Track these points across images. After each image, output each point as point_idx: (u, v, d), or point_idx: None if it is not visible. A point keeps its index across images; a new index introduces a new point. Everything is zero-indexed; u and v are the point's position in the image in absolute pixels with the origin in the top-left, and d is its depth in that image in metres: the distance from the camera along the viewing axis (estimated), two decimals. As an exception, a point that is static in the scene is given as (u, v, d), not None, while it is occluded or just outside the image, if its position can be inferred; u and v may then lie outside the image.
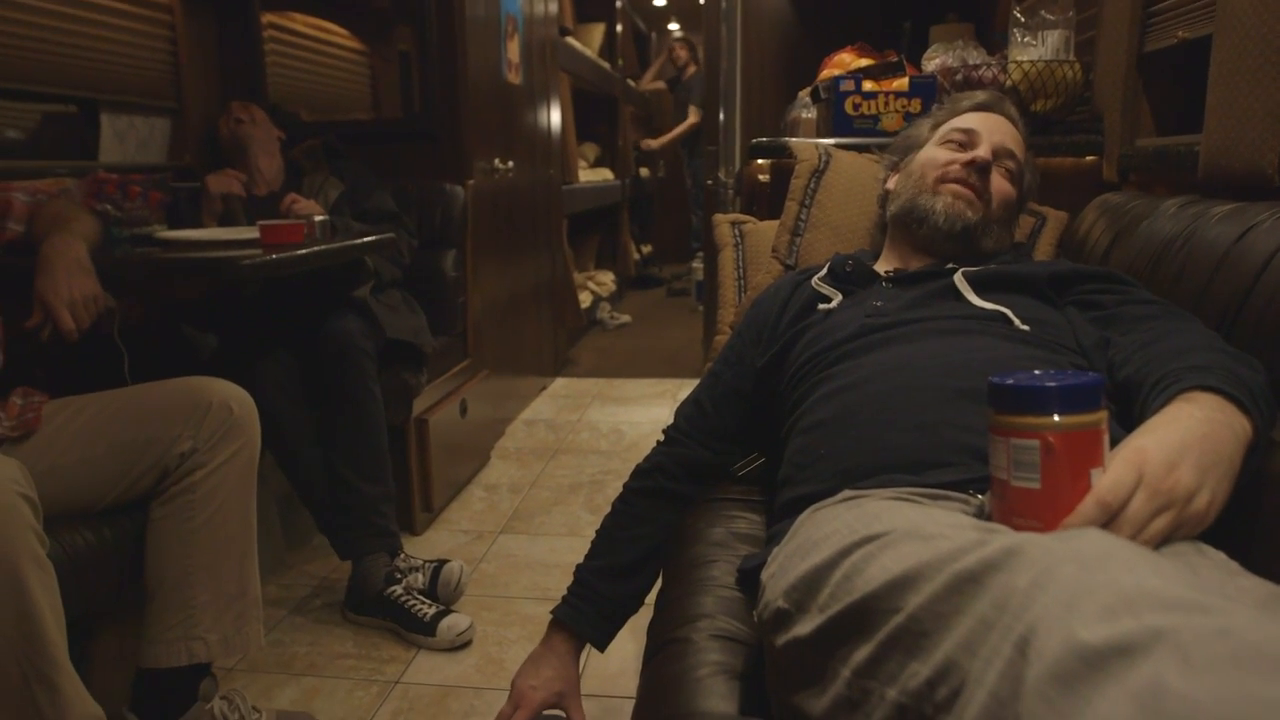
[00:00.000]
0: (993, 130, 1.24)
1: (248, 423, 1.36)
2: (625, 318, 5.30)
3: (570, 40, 4.59)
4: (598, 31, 5.78)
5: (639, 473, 1.27)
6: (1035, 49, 1.85)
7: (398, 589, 1.82)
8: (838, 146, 1.72)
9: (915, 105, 1.84)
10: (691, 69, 6.18)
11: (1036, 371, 0.73)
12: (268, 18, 2.68)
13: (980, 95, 1.32)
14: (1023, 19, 1.87)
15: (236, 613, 1.33)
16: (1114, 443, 0.73)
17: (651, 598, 1.17)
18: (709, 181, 3.19)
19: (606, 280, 5.66)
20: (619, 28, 6.13)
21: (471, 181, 2.66)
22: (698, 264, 5.28)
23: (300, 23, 2.79)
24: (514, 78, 3.21)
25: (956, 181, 1.21)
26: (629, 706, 0.96)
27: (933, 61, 2.00)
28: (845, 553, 0.68)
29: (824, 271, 1.26)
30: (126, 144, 2.32)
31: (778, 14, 3.00)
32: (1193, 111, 1.39)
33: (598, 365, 4.24)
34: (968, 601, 0.55)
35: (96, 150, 2.22)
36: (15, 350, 1.29)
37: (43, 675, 1.00)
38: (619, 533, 1.23)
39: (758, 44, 2.98)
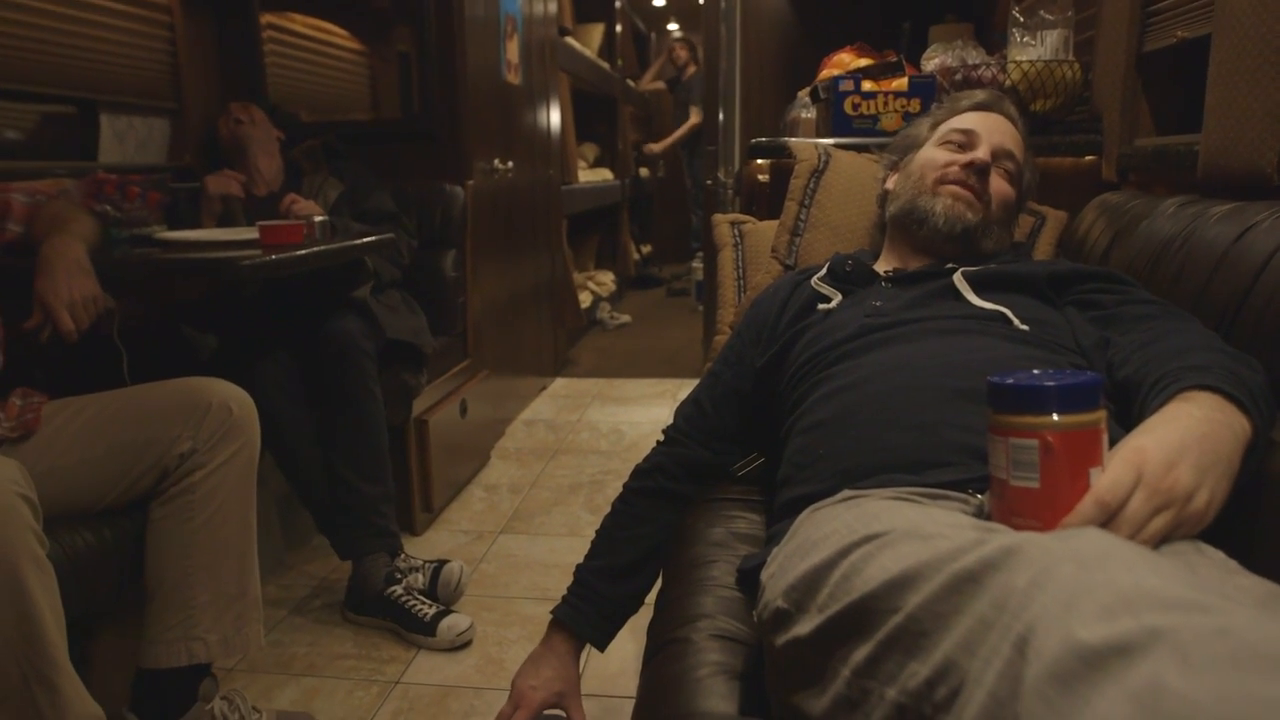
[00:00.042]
0: (992, 131, 1.24)
1: (247, 423, 1.36)
2: (625, 318, 5.30)
3: (569, 40, 4.59)
4: (597, 32, 5.78)
5: (639, 473, 1.27)
6: (1034, 49, 1.85)
7: (398, 589, 1.82)
8: (837, 146, 1.72)
9: (914, 105, 1.84)
10: (691, 69, 6.18)
11: (1035, 371, 0.73)
12: (267, 18, 2.68)
13: (979, 94, 1.31)
14: (1022, 19, 1.87)
15: (236, 613, 1.33)
16: (1113, 442, 0.73)
17: (651, 598, 1.17)
18: (708, 181, 3.19)
19: (606, 280, 5.66)
20: (618, 28, 6.13)
21: (471, 182, 2.66)
22: (697, 264, 5.28)
23: (299, 23, 2.79)
24: (513, 78, 3.21)
25: (956, 183, 1.21)
26: (629, 706, 0.96)
27: (932, 61, 2.00)
28: (844, 552, 0.68)
29: (823, 271, 1.26)
30: (126, 144, 2.31)
31: (777, 14, 3.00)
32: (1192, 111, 1.39)
33: (597, 365, 4.24)
34: (967, 601, 0.55)
35: (96, 151, 2.22)
36: (14, 351, 1.29)
37: (42, 676, 1.00)
38: (619, 533, 1.23)
39: (757, 44, 2.98)
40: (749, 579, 0.93)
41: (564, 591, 1.24)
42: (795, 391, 1.10)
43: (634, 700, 0.93)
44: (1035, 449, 0.67)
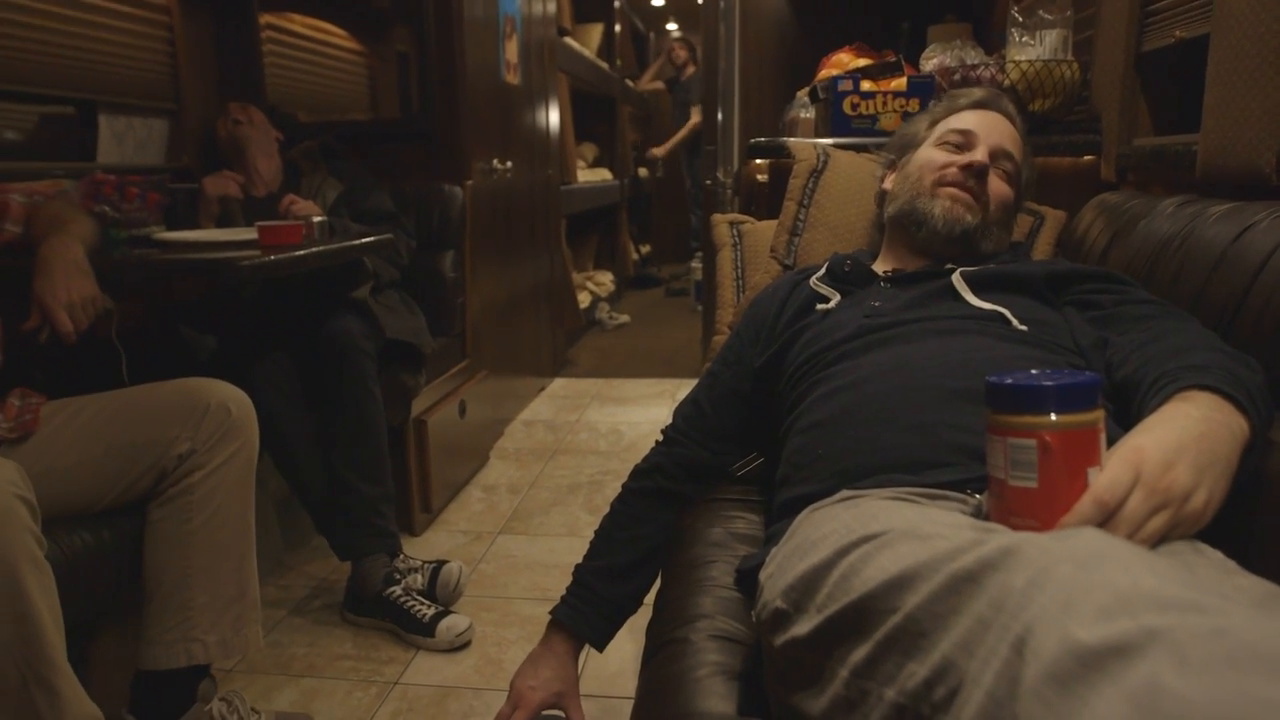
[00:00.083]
0: (990, 131, 1.24)
1: (246, 424, 1.36)
2: (624, 318, 5.30)
3: (568, 40, 4.59)
4: (596, 32, 5.79)
5: (637, 473, 1.27)
6: (1033, 49, 1.85)
7: (397, 590, 1.82)
8: (836, 146, 1.72)
9: (913, 105, 1.84)
10: (690, 69, 6.18)
11: (1034, 371, 0.73)
12: (266, 18, 2.68)
13: (977, 93, 1.31)
14: (1020, 19, 1.87)
15: (235, 614, 1.33)
16: (1111, 442, 0.73)
17: (650, 598, 1.17)
18: (707, 181, 3.20)
19: (605, 280, 5.66)
20: (617, 28, 6.14)
21: (470, 182, 2.66)
22: (696, 264, 5.28)
23: (298, 23, 2.79)
24: (512, 78, 3.21)
25: (954, 185, 1.21)
26: (628, 707, 0.96)
27: (931, 61, 2.00)
28: (843, 553, 0.68)
29: (822, 271, 1.26)
30: (124, 145, 2.31)
31: (776, 14, 3.00)
32: (1190, 111, 1.39)
33: (596, 365, 4.24)
34: (965, 601, 0.55)
35: (95, 151, 2.22)
36: (13, 352, 1.29)
37: (41, 677, 1.00)
38: (618, 533, 1.23)
39: (756, 44, 2.99)
40: (748, 579, 0.93)
41: (563, 592, 1.24)
42: (794, 391, 1.10)
43: (633, 700, 0.93)
44: (1033, 449, 0.67)
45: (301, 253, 1.59)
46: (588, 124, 5.81)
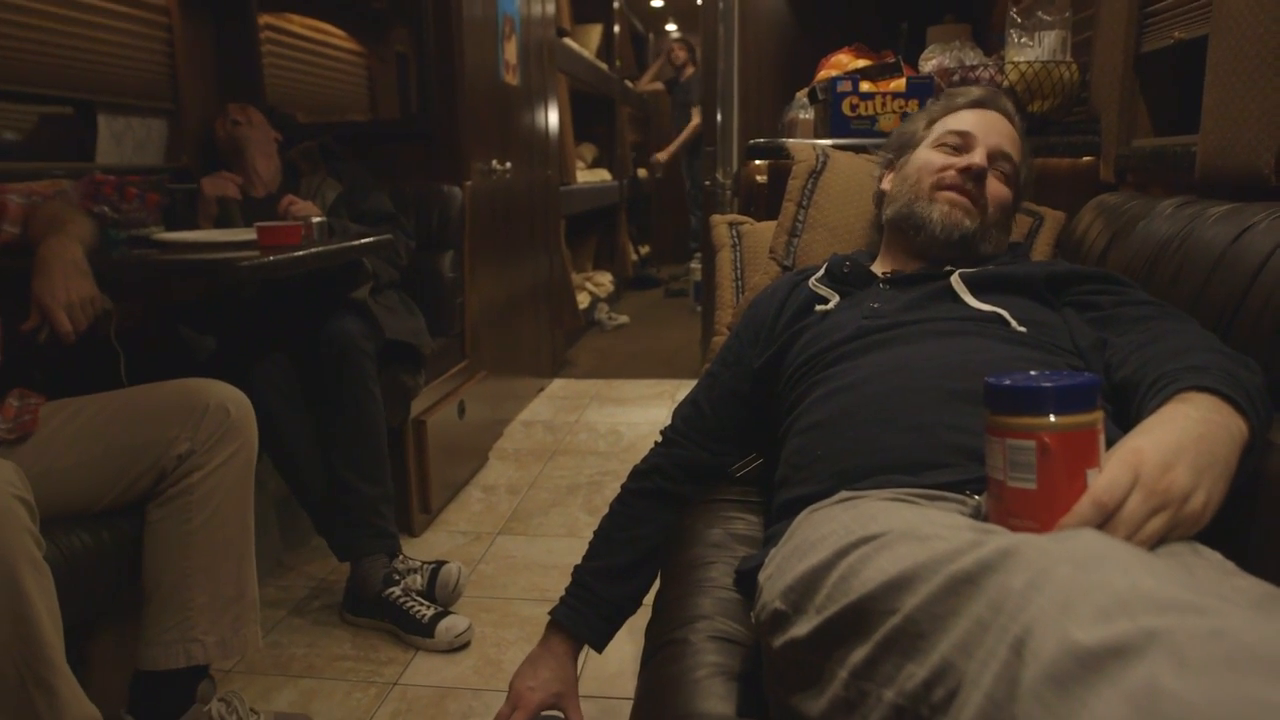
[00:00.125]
0: (988, 131, 1.23)
1: (245, 424, 1.36)
2: (623, 318, 5.30)
3: (568, 41, 4.59)
4: (595, 32, 5.79)
5: (637, 474, 1.27)
6: (1032, 50, 1.85)
7: (396, 590, 1.82)
8: (835, 147, 1.72)
9: (913, 106, 1.84)
10: (690, 70, 6.18)
11: (1032, 372, 0.73)
12: (265, 19, 2.68)
13: (975, 91, 1.30)
14: (1019, 20, 1.87)
15: (234, 615, 1.33)
16: (1110, 443, 0.73)
17: (650, 599, 1.17)
18: (707, 182, 3.20)
19: (604, 281, 5.66)
20: (616, 29, 6.14)
21: (469, 182, 2.66)
22: (695, 265, 5.28)
23: (297, 24, 2.79)
24: (511, 79, 3.21)
25: (952, 188, 1.20)
26: (627, 707, 0.96)
27: (930, 62, 2.00)
28: (842, 554, 0.68)
29: (821, 272, 1.26)
30: (123, 145, 2.31)
31: (775, 15, 3.00)
32: (1189, 112, 1.39)
33: (596, 366, 4.24)
34: (964, 603, 0.55)
35: (94, 152, 2.21)
36: (12, 352, 1.29)
37: (39, 678, 1.00)
38: (617, 534, 1.23)
39: (755, 45, 2.99)
40: (747, 580, 0.93)
41: (562, 592, 1.24)
42: (793, 392, 1.10)
43: (632, 701, 0.93)
44: (1032, 450, 0.67)
45: (300, 253, 1.59)
46: (587, 125, 5.81)
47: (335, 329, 1.87)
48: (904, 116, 1.83)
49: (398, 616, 1.79)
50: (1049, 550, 0.53)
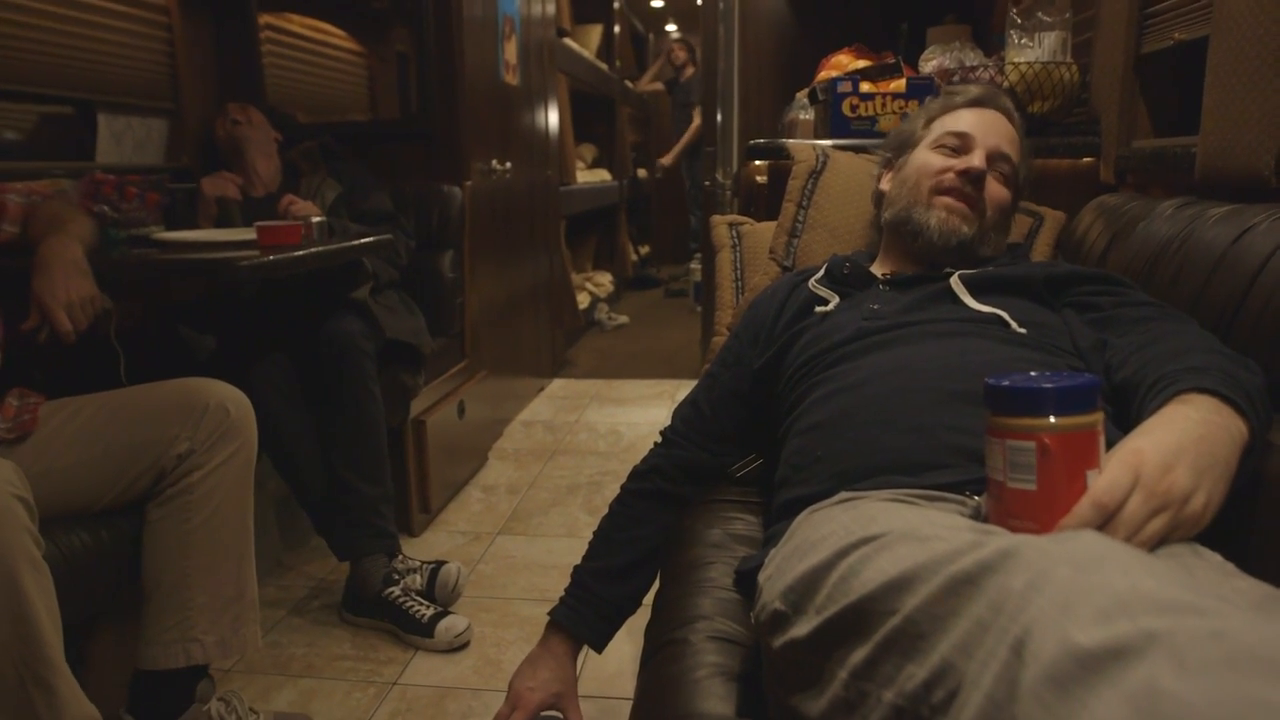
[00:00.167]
0: (987, 132, 1.23)
1: (245, 424, 1.36)
2: (623, 319, 5.30)
3: (568, 41, 4.59)
4: (595, 33, 5.79)
5: (636, 474, 1.27)
6: (1032, 50, 1.85)
7: (395, 590, 1.82)
8: (835, 148, 1.72)
9: (913, 107, 1.84)
10: (690, 70, 6.18)
11: (1033, 373, 0.73)
12: (265, 19, 2.68)
13: (974, 90, 1.30)
14: (1020, 20, 1.87)
15: (234, 614, 1.33)
16: (1110, 444, 0.73)
17: (649, 599, 1.17)
18: (707, 183, 3.20)
19: (604, 281, 5.66)
20: (617, 29, 6.14)
21: (469, 182, 2.66)
22: (695, 265, 5.28)
23: (297, 24, 2.79)
24: (511, 79, 3.21)
25: (950, 192, 1.20)
26: (627, 708, 0.96)
27: (930, 63, 2.00)
28: (842, 554, 0.68)
29: (821, 273, 1.26)
30: (123, 145, 2.31)
31: (775, 15, 3.00)
32: (1189, 113, 1.39)
33: (595, 366, 4.24)
34: (964, 604, 0.55)
35: (94, 151, 2.21)
36: (12, 352, 1.29)
37: (39, 677, 1.00)
38: (616, 534, 1.23)
39: (755, 45, 2.99)
40: (747, 580, 0.93)
41: (562, 593, 1.24)
42: (793, 393, 1.10)
43: (632, 701, 0.93)
44: (1032, 451, 0.67)
45: (300, 253, 1.59)
46: (587, 125, 5.82)
47: (335, 329, 1.87)
48: (904, 117, 1.83)
49: (397, 616, 1.79)
50: (1049, 551, 0.53)
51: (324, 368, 1.86)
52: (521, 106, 3.38)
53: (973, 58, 1.94)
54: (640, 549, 1.21)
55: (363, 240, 1.86)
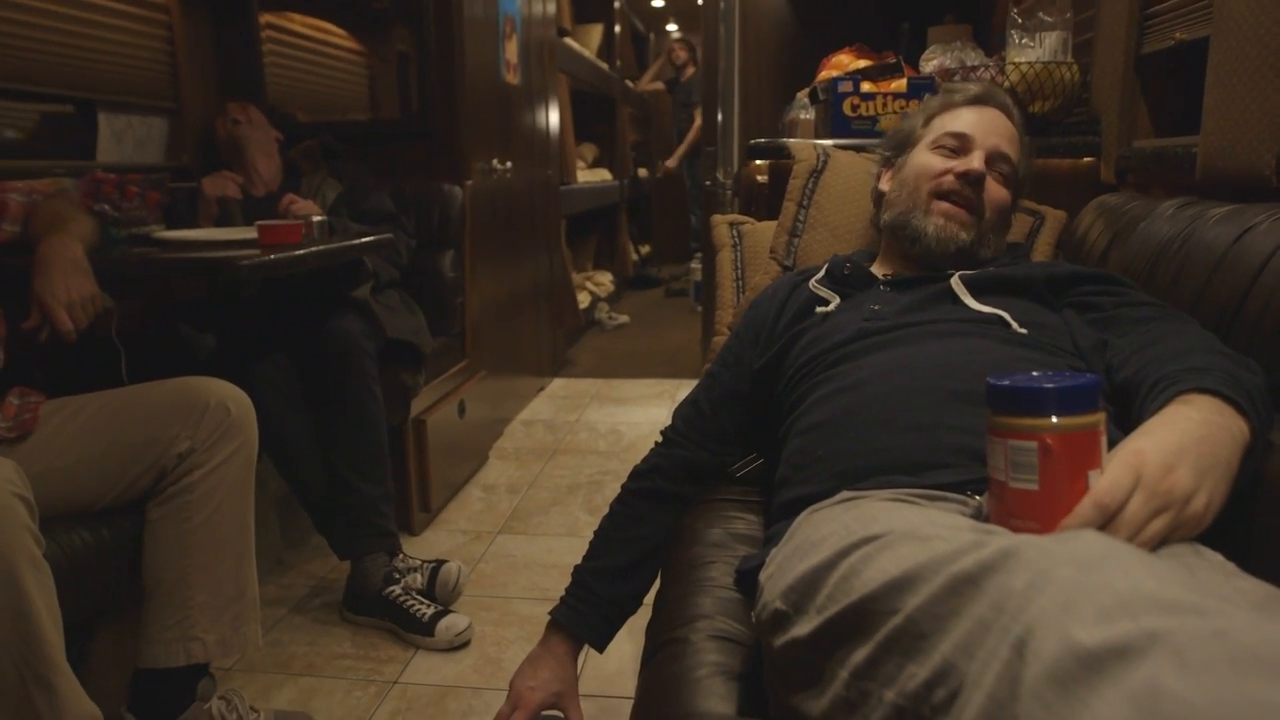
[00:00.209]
0: (987, 132, 1.22)
1: (245, 423, 1.36)
2: (623, 318, 5.30)
3: (568, 41, 4.59)
4: (596, 32, 5.79)
5: (637, 474, 1.27)
6: (1033, 50, 1.85)
7: (396, 589, 1.82)
8: (836, 147, 1.72)
9: (913, 107, 1.84)
10: (690, 70, 6.18)
11: (1034, 373, 0.73)
12: (265, 18, 2.68)
13: (973, 88, 1.29)
14: (1020, 20, 1.87)
15: (234, 613, 1.33)
16: (1112, 445, 0.73)
17: (650, 598, 1.17)
18: (707, 182, 3.20)
19: (605, 281, 5.66)
20: (617, 28, 6.14)
21: (470, 182, 2.66)
22: (696, 264, 5.28)
23: (298, 23, 2.79)
24: (512, 78, 3.21)
25: (949, 196, 1.19)
26: (627, 707, 0.96)
27: (931, 63, 2.00)
28: (843, 554, 0.68)
29: (822, 274, 1.25)
30: (124, 144, 2.31)
31: (776, 15, 3.00)
32: (1190, 113, 1.39)
33: (596, 366, 4.24)
34: (965, 603, 0.55)
35: (94, 150, 2.21)
36: (13, 351, 1.29)
37: (39, 676, 1.00)
38: (617, 534, 1.23)
39: (756, 45, 2.99)
40: (747, 580, 0.93)
41: (562, 592, 1.24)
42: (794, 393, 1.10)
43: (632, 701, 0.93)
44: (1034, 451, 0.67)
45: (301, 252, 1.59)
46: (587, 124, 5.81)
47: (336, 328, 1.87)
48: (904, 118, 1.83)
49: (398, 615, 1.79)
50: (1050, 551, 0.53)
51: (325, 367, 1.86)
52: (522, 106, 3.38)
53: (973, 57, 1.93)
54: (641, 548, 1.21)
55: (363, 239, 1.87)
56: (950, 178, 1.20)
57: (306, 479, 1.89)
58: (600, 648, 1.23)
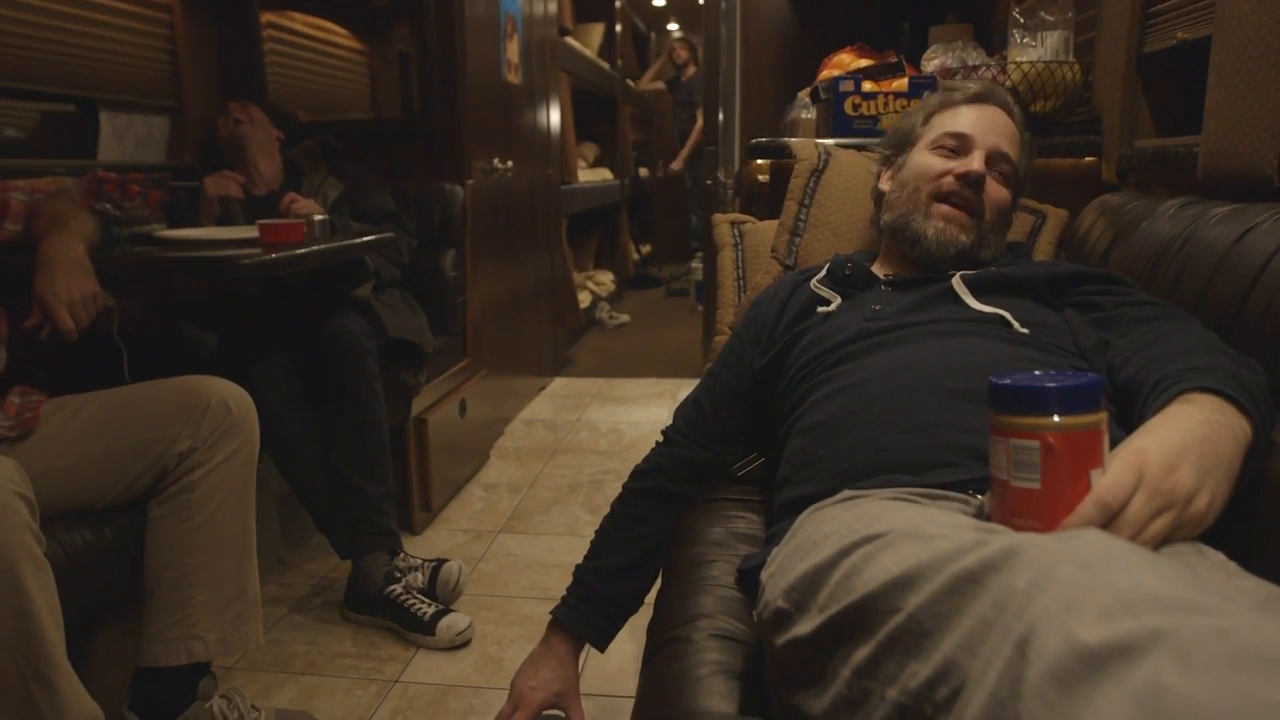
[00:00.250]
0: (987, 131, 1.22)
1: (246, 422, 1.36)
2: (624, 318, 5.30)
3: (569, 40, 4.59)
4: (597, 31, 5.79)
5: (638, 473, 1.27)
6: (1034, 50, 1.85)
7: (397, 588, 1.82)
8: (837, 147, 1.71)
9: (914, 106, 1.84)
10: (691, 69, 6.18)
11: (1037, 372, 0.73)
12: (267, 17, 2.68)
13: (973, 86, 1.28)
14: (1022, 20, 1.87)
15: (235, 612, 1.33)
16: (1114, 444, 0.73)
17: (651, 597, 1.17)
18: (708, 181, 3.20)
19: (605, 280, 5.66)
20: (618, 28, 6.13)
21: (470, 181, 2.66)
22: (697, 264, 5.28)
23: (299, 22, 2.79)
24: (513, 77, 3.21)
25: (949, 198, 1.19)
26: (628, 706, 0.96)
27: (932, 62, 2.00)
28: (845, 553, 0.68)
29: (823, 273, 1.25)
30: (125, 143, 2.31)
31: (777, 14, 3.00)
32: (1192, 113, 1.39)
33: (597, 365, 4.24)
34: (967, 602, 0.55)
35: (95, 149, 2.22)
36: (15, 349, 1.29)
37: (40, 674, 1.00)
38: (618, 533, 1.23)
39: (757, 44, 2.98)
40: (749, 579, 0.93)
41: (563, 591, 1.24)
42: (795, 393, 1.10)
43: (633, 700, 0.93)
44: (1036, 450, 0.67)
45: (302, 251, 1.59)
46: (588, 124, 5.81)
47: (337, 327, 1.87)
48: (904, 116, 1.83)
49: (399, 614, 1.79)
50: (1053, 549, 0.53)
51: (326, 366, 1.86)
52: (523, 105, 3.38)
53: (975, 57, 1.93)
54: (642, 548, 1.21)
55: (365, 238, 1.87)
56: (950, 179, 1.19)
57: (307, 478, 1.89)
58: (601, 647, 1.23)
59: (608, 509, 1.27)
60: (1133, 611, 0.45)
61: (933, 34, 2.39)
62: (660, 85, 6.97)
